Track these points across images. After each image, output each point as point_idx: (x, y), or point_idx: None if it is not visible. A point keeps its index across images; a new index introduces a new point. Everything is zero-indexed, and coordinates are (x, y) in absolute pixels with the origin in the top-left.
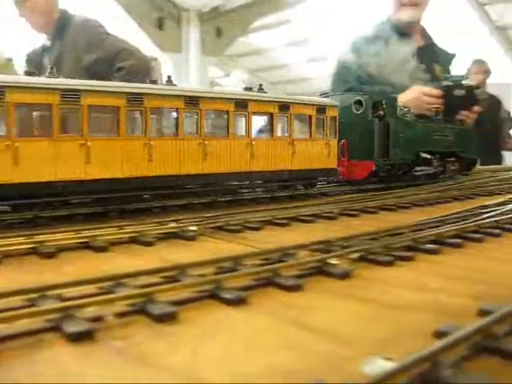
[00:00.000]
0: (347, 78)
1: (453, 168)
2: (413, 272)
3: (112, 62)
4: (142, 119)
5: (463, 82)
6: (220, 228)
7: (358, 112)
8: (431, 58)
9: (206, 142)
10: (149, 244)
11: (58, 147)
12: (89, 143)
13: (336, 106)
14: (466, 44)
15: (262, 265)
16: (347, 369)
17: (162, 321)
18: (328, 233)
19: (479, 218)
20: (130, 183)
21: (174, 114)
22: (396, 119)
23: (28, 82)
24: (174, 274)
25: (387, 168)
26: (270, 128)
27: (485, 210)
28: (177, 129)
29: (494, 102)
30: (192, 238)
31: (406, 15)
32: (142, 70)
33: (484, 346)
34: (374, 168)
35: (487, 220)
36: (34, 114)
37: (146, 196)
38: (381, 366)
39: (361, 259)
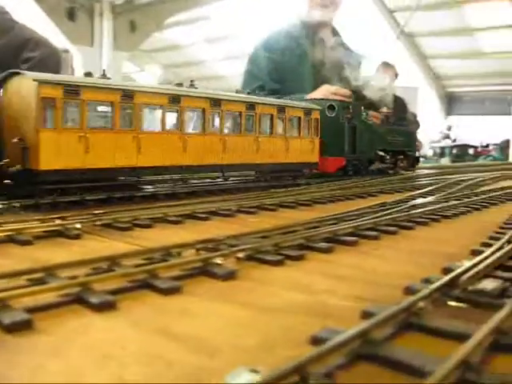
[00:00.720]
0: (259, 76)
1: (402, 164)
2: (301, 272)
3: (19, 51)
4: (179, 117)
5: (373, 82)
6: (108, 226)
7: (331, 115)
8: (341, 58)
9: (226, 138)
10: (27, 243)
11: (117, 139)
12: (140, 136)
13: (319, 110)
14: (376, 47)
15: (141, 265)
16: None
17: (13, 331)
18: (222, 231)
19: (377, 215)
20: (169, 170)
21: (201, 114)
22: (360, 122)
23: (98, 83)
24: (40, 277)
25: (354, 163)
26: (271, 127)
27: (383, 208)
28: (203, 126)
29: (401, 104)
30: (76, 237)
31: (317, 15)
32: (52, 61)
33: (361, 352)
34: (344, 163)
35: (384, 217)
36: (100, 109)
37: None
38: (247, 379)
39: (249, 258)
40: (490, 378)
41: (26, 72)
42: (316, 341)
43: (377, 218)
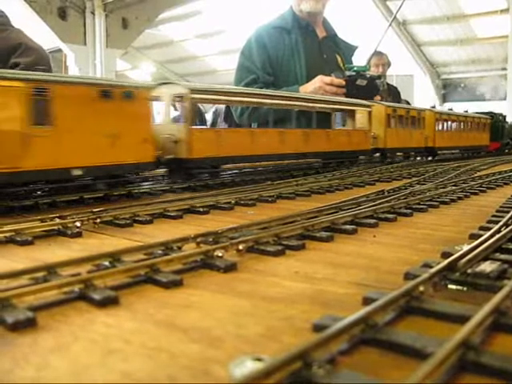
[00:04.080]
0: (252, 69)
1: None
2: (302, 261)
3: (8, 56)
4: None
5: (366, 72)
6: (108, 223)
7: (492, 120)
8: (334, 49)
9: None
10: (27, 243)
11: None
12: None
13: (489, 119)
14: (369, 36)
15: (142, 260)
16: (215, 373)
17: (17, 330)
18: (222, 224)
19: (375, 203)
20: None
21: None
22: (503, 123)
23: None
24: (42, 275)
25: (502, 146)
26: (471, 128)
27: (382, 195)
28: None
29: (395, 93)
30: (76, 235)
31: (307, 6)
32: (42, 65)
33: (363, 337)
34: (499, 145)
35: (383, 205)
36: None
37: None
38: (250, 367)
39: (249, 250)
40: (490, 358)
41: None
42: (318, 328)
43: (375, 205)
